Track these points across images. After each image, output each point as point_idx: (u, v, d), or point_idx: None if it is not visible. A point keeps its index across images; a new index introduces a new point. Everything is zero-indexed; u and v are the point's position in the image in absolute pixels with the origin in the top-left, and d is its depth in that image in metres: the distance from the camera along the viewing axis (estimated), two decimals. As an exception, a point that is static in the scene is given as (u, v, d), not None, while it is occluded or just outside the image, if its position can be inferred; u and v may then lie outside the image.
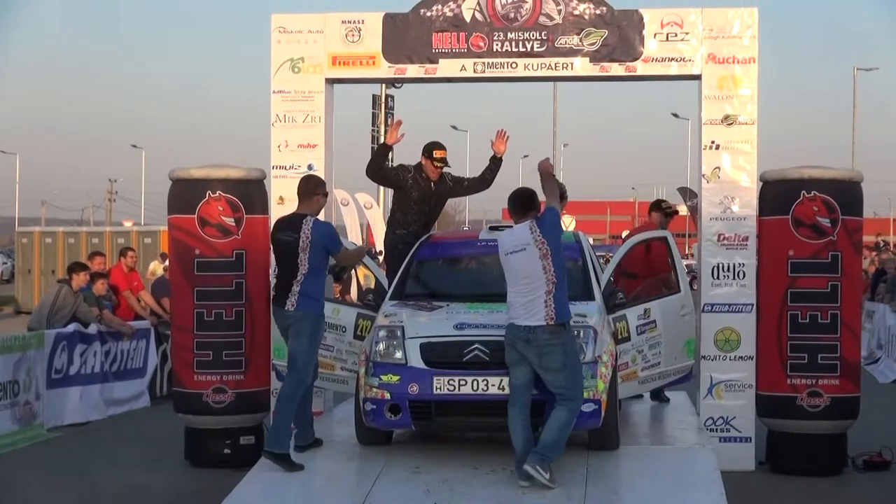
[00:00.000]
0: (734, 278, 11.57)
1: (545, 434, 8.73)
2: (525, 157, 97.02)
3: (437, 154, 11.23)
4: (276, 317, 9.89)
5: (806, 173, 11.54)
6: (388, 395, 9.01)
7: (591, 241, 12.13)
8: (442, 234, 11.73)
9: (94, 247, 31.33)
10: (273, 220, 11.76)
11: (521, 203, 9.10)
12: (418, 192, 11.23)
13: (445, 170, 11.38)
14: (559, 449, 8.73)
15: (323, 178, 11.66)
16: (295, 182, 11.69)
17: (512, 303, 8.93)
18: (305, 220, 9.60)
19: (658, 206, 12.83)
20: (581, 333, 9.14)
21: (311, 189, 9.85)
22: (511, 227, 11.07)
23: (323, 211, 10.07)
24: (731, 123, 11.58)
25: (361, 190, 40.47)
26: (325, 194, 10.02)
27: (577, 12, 11.68)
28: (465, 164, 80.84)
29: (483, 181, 11.68)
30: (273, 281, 11.47)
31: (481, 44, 11.73)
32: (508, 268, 8.98)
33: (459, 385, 8.90)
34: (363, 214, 40.02)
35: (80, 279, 15.57)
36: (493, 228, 11.28)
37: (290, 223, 9.71)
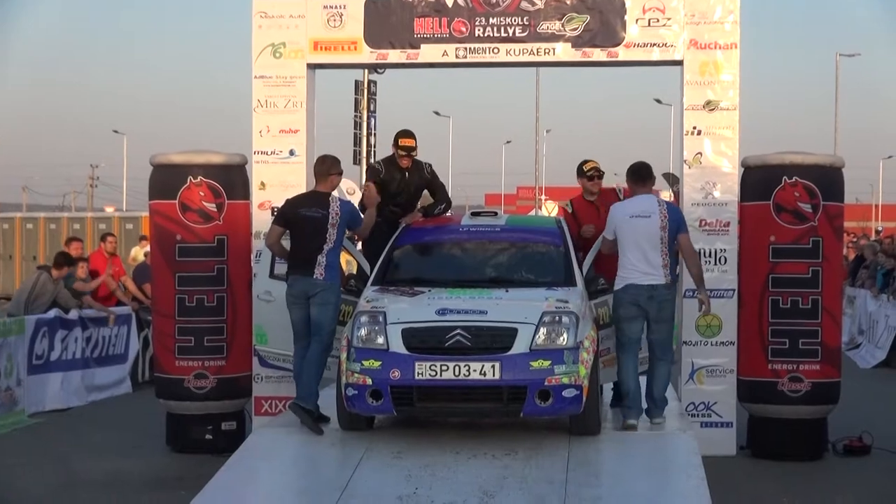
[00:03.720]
0: (716, 264, 11.61)
1: (656, 389, 10.10)
2: (508, 142, 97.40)
3: (401, 142, 11.10)
4: (295, 284, 10.04)
5: (787, 159, 11.57)
6: (369, 381, 9.00)
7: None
8: (423, 220, 11.72)
9: (76, 233, 31.22)
10: (255, 205, 11.81)
11: (642, 174, 10.16)
12: (393, 184, 11.17)
13: (427, 161, 11.33)
14: (666, 398, 10.22)
15: (304, 163, 11.71)
16: (276, 167, 11.79)
17: (626, 264, 9.96)
18: (332, 198, 10.10)
19: (579, 169, 11.53)
20: (562, 319, 9.17)
21: (327, 169, 10.26)
22: (494, 211, 11.13)
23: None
24: (713, 109, 11.61)
25: (344, 175, 40.50)
26: (340, 173, 10.41)
27: (559, -3, 11.67)
28: (448, 149, 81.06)
29: (445, 211, 11.47)
30: (254, 265, 11.52)
31: (463, 29, 11.73)
32: (629, 230, 9.96)
33: (441, 370, 8.90)
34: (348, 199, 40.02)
35: (60, 273, 15.55)
36: (475, 214, 11.28)
37: (315, 201, 10.12)
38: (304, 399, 9.88)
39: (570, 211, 11.17)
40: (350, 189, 39.72)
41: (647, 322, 10.09)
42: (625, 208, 10.16)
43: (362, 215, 10.60)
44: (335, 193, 10.27)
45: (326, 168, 10.25)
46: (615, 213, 10.14)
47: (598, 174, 11.07)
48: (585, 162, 11.14)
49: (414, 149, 11.10)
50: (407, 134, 11.18)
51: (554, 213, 26.46)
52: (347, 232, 10.40)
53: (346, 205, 10.24)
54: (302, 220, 10.05)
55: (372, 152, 45.84)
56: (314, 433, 9.68)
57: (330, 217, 9.99)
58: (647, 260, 9.98)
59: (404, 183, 11.17)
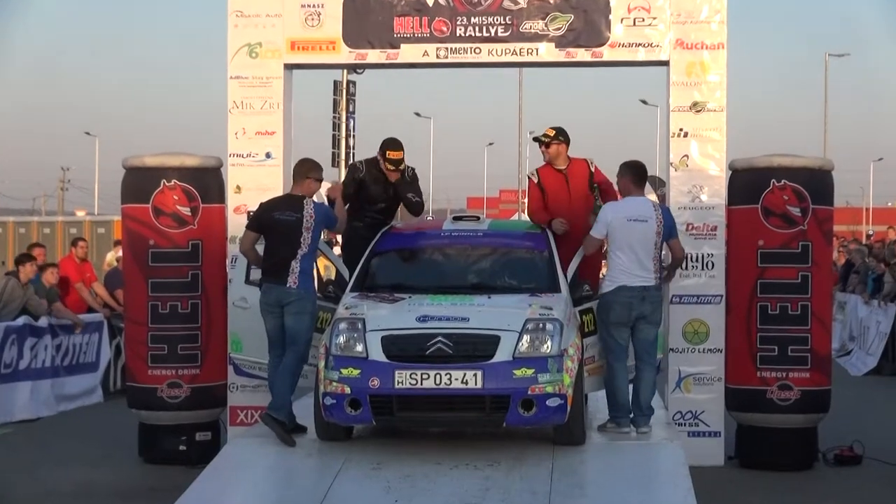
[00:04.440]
0: (703, 269, 11.61)
1: (643, 396, 10.18)
2: (490, 144, 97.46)
3: (390, 155, 10.98)
4: (269, 292, 10.03)
5: (776, 162, 11.59)
6: (348, 390, 8.99)
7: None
8: (404, 225, 11.70)
9: (46, 238, 31.15)
10: (230, 209, 11.78)
11: (642, 175, 10.37)
12: (374, 187, 11.14)
13: (410, 165, 11.31)
14: (652, 407, 10.30)
15: (281, 165, 11.67)
16: (252, 170, 11.78)
17: (619, 265, 10.07)
18: (306, 201, 10.05)
19: (537, 137, 11.33)
20: (546, 326, 9.17)
21: (304, 172, 10.25)
22: (477, 216, 11.12)
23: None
24: (700, 111, 11.62)
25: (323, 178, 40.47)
26: (319, 179, 10.31)
27: (542, -4, 11.67)
28: (428, 151, 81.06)
29: (417, 206, 11.43)
30: (229, 270, 11.50)
31: (444, 28, 11.71)
32: (625, 233, 10.05)
33: (422, 379, 8.89)
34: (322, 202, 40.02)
35: (27, 270, 15.47)
36: (457, 218, 11.28)
37: (289, 204, 10.09)
38: (277, 410, 9.84)
39: (535, 181, 11.15)
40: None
41: (636, 324, 10.11)
42: (621, 210, 10.19)
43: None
44: (314, 198, 10.25)
45: (304, 171, 10.23)
46: (610, 214, 10.15)
47: (551, 139, 10.97)
48: (543, 132, 11.10)
49: (402, 161, 11.03)
50: (396, 145, 11.02)
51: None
52: (325, 235, 10.41)
53: (320, 207, 10.21)
54: (275, 223, 10.03)
55: (351, 154, 45.90)
56: (287, 445, 9.65)
57: (304, 220, 9.96)
58: (641, 263, 10.09)
59: (387, 188, 11.14)
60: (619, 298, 10.06)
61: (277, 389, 9.95)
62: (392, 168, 10.97)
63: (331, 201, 10.91)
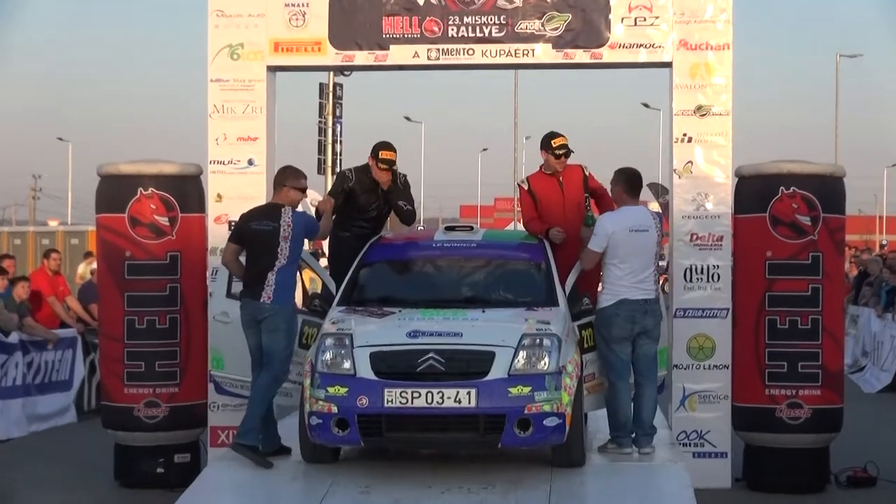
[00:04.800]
0: (708, 281, 11.61)
1: (646, 414, 10.19)
2: (484, 150, 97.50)
3: (383, 155, 11.07)
4: (246, 308, 10.03)
5: (784, 168, 11.60)
6: (335, 409, 8.98)
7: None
8: (393, 236, 11.70)
9: (17, 249, 31.15)
10: (210, 219, 11.78)
11: (637, 185, 10.46)
12: (364, 196, 11.16)
13: (401, 171, 11.34)
14: (655, 426, 10.31)
15: (264, 173, 11.67)
16: (233, 178, 11.77)
17: (620, 277, 10.10)
18: (284, 210, 9.99)
19: (546, 143, 11.20)
20: (543, 342, 9.16)
21: (282, 179, 10.23)
22: (470, 226, 11.13)
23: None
24: (705, 114, 11.63)
25: (308, 186, 40.49)
26: (299, 189, 10.25)
27: (538, -6, 11.69)
28: (420, 157, 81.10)
29: (409, 215, 11.49)
30: (210, 283, 11.49)
31: (435, 28, 11.72)
32: (629, 243, 10.08)
33: (412, 398, 8.88)
34: (309, 211, 40.03)
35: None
36: (449, 228, 11.28)
37: (266, 213, 10.08)
38: (244, 435, 9.79)
39: (526, 188, 11.19)
40: (314, 201, 39.76)
41: (636, 340, 10.14)
42: (622, 220, 10.21)
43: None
44: (299, 207, 10.25)
45: (282, 179, 10.22)
46: (610, 226, 10.17)
47: (567, 153, 11.04)
48: (554, 136, 11.10)
49: (395, 163, 11.09)
50: (388, 146, 11.14)
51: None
52: (310, 246, 10.41)
53: (299, 216, 10.12)
54: (252, 234, 10.03)
55: (338, 161, 45.87)
56: (263, 468, 9.62)
57: (281, 229, 9.92)
58: (641, 275, 10.14)
59: (378, 196, 11.16)
60: (621, 312, 10.07)
61: (246, 414, 9.91)
62: (385, 167, 11.00)
63: (318, 214, 10.92)
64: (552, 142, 11.05)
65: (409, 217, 11.36)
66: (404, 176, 11.36)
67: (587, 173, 11.13)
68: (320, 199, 36.06)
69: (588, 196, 11.03)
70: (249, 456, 9.66)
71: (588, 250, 10.30)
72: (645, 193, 11.39)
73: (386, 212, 11.36)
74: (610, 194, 10.69)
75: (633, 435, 10.16)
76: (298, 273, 10.53)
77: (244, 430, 9.80)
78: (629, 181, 10.38)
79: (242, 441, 9.75)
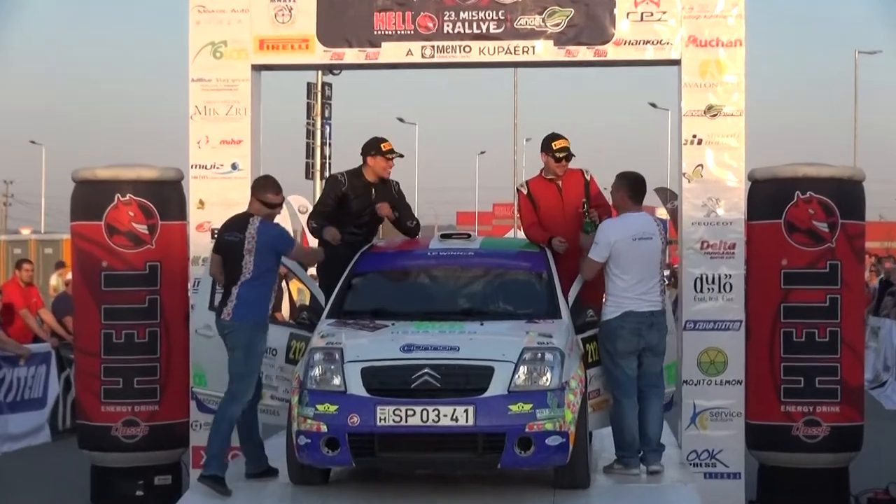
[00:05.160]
0: (720, 291, 11.60)
1: (652, 429, 10.17)
2: (482, 153, 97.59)
3: (385, 147, 11.19)
4: (216, 324, 10.05)
5: (800, 171, 11.60)
6: (324, 428, 8.97)
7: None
8: (386, 244, 11.70)
9: (-13, 258, 31.08)
10: (192, 227, 11.79)
11: (642, 190, 10.48)
12: (356, 201, 11.18)
13: (394, 178, 11.38)
14: (663, 443, 10.33)
15: (248, 178, 11.66)
16: (216, 183, 11.77)
17: (624, 289, 10.07)
18: (252, 220, 9.87)
19: (546, 145, 11.23)
20: (545, 356, 9.16)
21: (253, 190, 10.14)
22: (467, 233, 11.14)
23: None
24: (715, 115, 11.62)
25: (295, 192, 40.45)
26: (270, 203, 9.97)
27: (538, -12, 11.69)
28: (413, 161, 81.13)
29: (416, 231, 11.58)
30: (191, 295, 11.50)
31: (430, 24, 11.72)
32: (632, 252, 10.07)
33: (406, 415, 8.88)
34: (297, 220, 39.97)
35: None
36: (445, 236, 11.28)
37: (236, 223, 10.00)
38: (206, 465, 9.73)
39: (525, 193, 11.21)
40: (302, 207, 39.82)
41: (641, 354, 10.15)
42: (624, 228, 10.20)
43: (306, 242, 10.60)
44: (284, 218, 10.26)
45: (253, 188, 10.16)
46: (612, 234, 10.16)
47: (568, 157, 11.06)
48: (555, 138, 11.12)
49: (394, 152, 11.22)
50: (386, 139, 11.28)
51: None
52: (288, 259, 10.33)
53: (267, 228, 9.88)
54: (224, 245, 10.01)
55: (327, 165, 45.91)
56: (223, 496, 9.53)
57: (245, 242, 9.81)
58: (647, 285, 10.14)
59: (371, 201, 11.18)
60: (627, 325, 10.06)
61: (208, 441, 9.85)
62: (391, 157, 11.11)
63: (321, 242, 10.95)
64: (553, 144, 11.05)
65: (415, 233, 11.46)
66: (397, 183, 11.40)
67: (588, 178, 11.13)
68: (305, 204, 35.94)
69: (586, 202, 11.02)
70: (211, 486, 9.54)
71: (589, 260, 10.28)
72: (652, 199, 11.46)
73: (378, 218, 11.36)
74: (610, 202, 10.68)
75: (640, 452, 10.15)
76: (280, 285, 10.50)
77: (206, 458, 9.75)
78: (632, 186, 10.37)
79: (204, 472, 9.68)
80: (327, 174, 41.09)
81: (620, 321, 10.06)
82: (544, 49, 11.74)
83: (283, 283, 16.83)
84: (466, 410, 8.87)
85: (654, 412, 10.26)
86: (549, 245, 10.86)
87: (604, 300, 10.56)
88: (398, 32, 11.75)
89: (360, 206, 11.19)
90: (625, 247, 10.08)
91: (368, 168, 11.29)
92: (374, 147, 11.24)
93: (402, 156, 11.38)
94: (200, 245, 11.57)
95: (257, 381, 10.06)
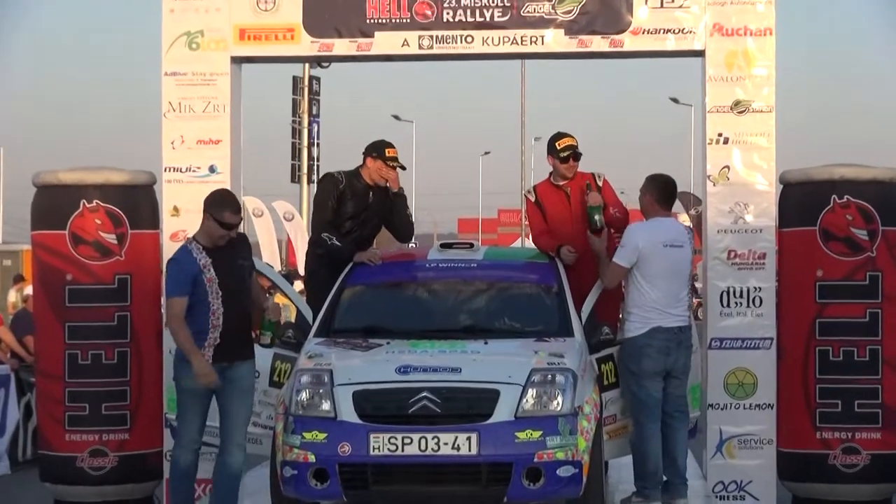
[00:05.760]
0: (748, 306, 11.60)
1: (680, 460, 10.39)
2: (486, 154, 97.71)
3: (390, 153, 11.26)
4: None
5: (837, 173, 11.59)
6: (312, 458, 8.99)
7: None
8: (381, 254, 11.72)
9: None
10: (165, 236, 11.79)
11: (673, 194, 10.79)
12: (353, 204, 11.22)
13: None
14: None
15: (228, 182, 11.66)
16: (192, 188, 11.73)
17: (653, 301, 10.22)
18: (186, 243, 10.10)
19: (551, 146, 11.51)
20: (556, 378, 9.17)
21: (207, 206, 10.07)
22: (470, 243, 11.17)
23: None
24: (743, 111, 11.62)
25: (280, 197, 40.49)
26: (228, 224, 9.89)
27: (548, -28, 11.71)
28: (411, 162, 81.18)
29: (410, 229, 11.67)
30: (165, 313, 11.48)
31: (428, 12, 11.73)
32: (662, 260, 10.27)
33: (403, 444, 8.90)
34: (282, 228, 40.02)
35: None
36: (445, 246, 11.29)
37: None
38: None
39: (533, 200, 11.26)
40: (288, 214, 39.87)
41: (666, 376, 10.18)
42: (654, 233, 10.28)
43: (271, 265, 10.61)
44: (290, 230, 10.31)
45: (208, 204, 10.13)
46: (640, 238, 10.21)
47: (575, 155, 11.10)
48: (560, 137, 11.22)
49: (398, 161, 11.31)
50: (393, 145, 11.43)
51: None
52: (281, 268, 10.41)
53: (174, 254, 10.14)
54: None
55: (315, 167, 45.91)
56: None
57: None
58: (676, 298, 10.29)
59: (367, 205, 11.24)
60: (654, 342, 10.09)
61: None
62: (394, 164, 11.28)
63: (290, 277, 11.01)
64: (557, 144, 11.11)
65: (409, 231, 11.47)
66: (400, 189, 11.47)
67: (600, 182, 11.16)
68: (291, 210, 35.89)
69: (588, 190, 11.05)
70: None
71: (613, 265, 10.30)
72: (676, 205, 11.42)
73: (376, 226, 11.39)
74: (640, 205, 10.71)
75: (665, 483, 10.16)
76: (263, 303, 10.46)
77: None
78: (662, 189, 10.43)
79: None
80: (315, 177, 41.16)
81: (647, 338, 10.07)
82: (554, 39, 11.74)
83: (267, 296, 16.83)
84: (469, 438, 8.90)
85: (680, 439, 10.27)
86: (558, 255, 10.88)
87: (623, 314, 10.57)
88: (393, 21, 11.76)
89: (355, 208, 11.22)
90: (654, 253, 10.12)
91: (367, 169, 11.35)
92: (377, 149, 11.30)
93: (403, 167, 11.43)
94: (175, 256, 11.58)
95: (200, 424, 10.12)
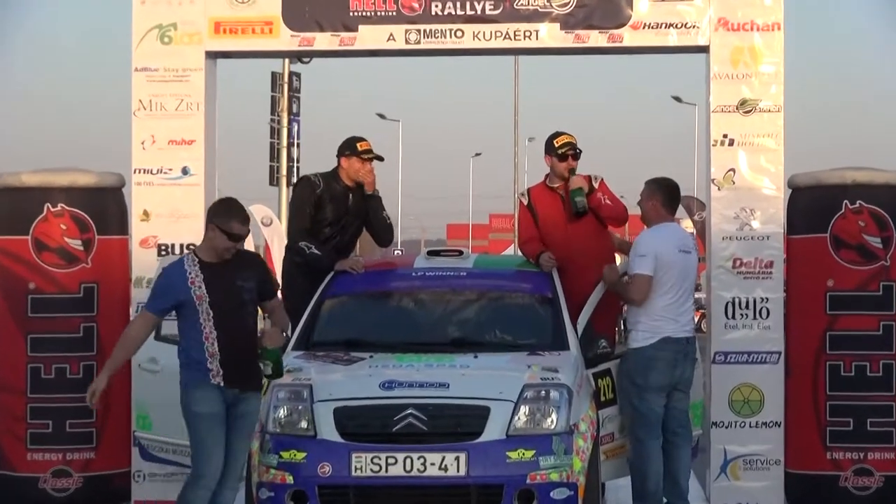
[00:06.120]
0: (755, 318, 11.60)
1: (682, 478, 10.43)
2: (477, 155, 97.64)
3: (362, 146, 11.27)
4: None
5: (849, 177, 11.60)
6: (290, 479, 8.99)
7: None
8: (364, 262, 11.72)
9: None
10: (135, 242, 11.76)
11: (676, 196, 10.92)
12: (332, 208, 11.22)
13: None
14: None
15: (201, 184, 11.64)
16: (164, 191, 11.71)
17: (662, 308, 10.27)
18: (184, 258, 9.56)
19: (548, 144, 11.52)
20: (550, 394, 9.16)
21: (212, 216, 9.44)
22: (459, 250, 11.16)
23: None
24: (750, 111, 11.64)
25: (257, 200, 40.42)
26: (236, 235, 9.28)
27: (543, -37, 11.72)
28: (397, 163, 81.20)
29: (390, 232, 11.67)
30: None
31: (415, 4, 11.73)
32: (676, 266, 10.35)
33: (387, 464, 8.89)
34: (259, 233, 39.96)
35: None
36: (432, 253, 11.29)
37: None
38: None
39: (526, 203, 11.30)
40: (266, 218, 39.78)
41: (671, 388, 10.23)
42: (668, 239, 10.41)
43: (272, 264, 10.58)
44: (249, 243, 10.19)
45: (213, 214, 9.46)
46: (658, 244, 10.28)
47: (574, 152, 11.13)
48: (558, 135, 11.28)
49: (374, 153, 11.29)
50: (361, 137, 11.42)
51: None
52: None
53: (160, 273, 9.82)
54: None
55: (294, 169, 45.86)
56: None
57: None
58: (684, 306, 10.41)
59: (347, 208, 11.24)
60: (663, 354, 10.14)
61: None
62: (368, 157, 11.17)
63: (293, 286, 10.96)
64: (555, 141, 11.14)
65: (389, 234, 11.47)
66: (376, 191, 11.46)
67: (596, 185, 11.18)
68: (269, 215, 35.87)
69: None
70: None
71: (638, 276, 10.31)
72: (678, 210, 11.41)
73: (357, 230, 11.39)
74: (642, 211, 10.72)
75: (666, 501, 10.19)
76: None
77: None
78: (668, 193, 10.50)
79: None
80: (295, 179, 41.07)
81: (656, 349, 10.10)
82: (549, 34, 11.74)
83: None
84: (458, 458, 8.89)
85: (682, 458, 10.29)
86: (537, 261, 10.90)
87: (629, 323, 10.55)
88: (378, 14, 11.75)
89: (335, 213, 11.21)
90: (670, 259, 10.23)
91: (343, 170, 11.36)
92: (349, 146, 11.31)
93: (381, 158, 11.44)
94: (144, 264, 11.55)
95: (222, 457, 9.37)
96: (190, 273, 9.28)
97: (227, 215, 9.28)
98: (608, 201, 11.30)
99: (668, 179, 10.69)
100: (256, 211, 39.30)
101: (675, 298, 10.26)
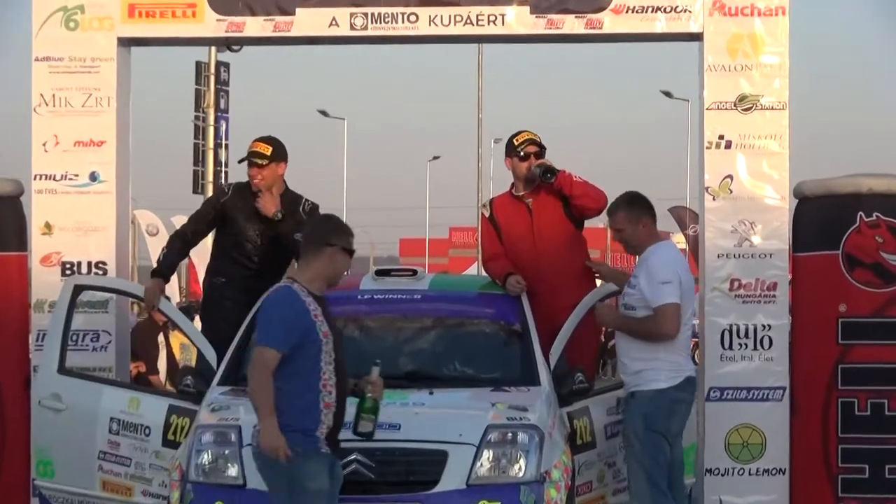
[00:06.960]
0: (755, 348, 11.63)
1: None
2: (435, 158, 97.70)
3: (254, 147, 11.25)
4: None
5: (864, 185, 11.63)
6: (215, 535, 8.97)
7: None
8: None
9: None
10: (35, 259, 11.73)
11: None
12: (242, 220, 11.18)
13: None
14: None
15: (113, 192, 11.63)
16: (69, 199, 11.67)
17: (682, 343, 10.35)
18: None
19: (509, 145, 11.65)
20: (518, 437, 9.17)
21: (328, 235, 9.00)
22: (412, 269, 11.18)
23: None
24: (750, 108, 11.67)
25: (179, 211, 40.35)
26: (350, 251, 8.98)
27: (510, -63, 11.74)
28: (341, 167, 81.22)
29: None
30: (34, 353, 11.45)
31: (362, -15, 11.75)
32: (691, 290, 10.40)
33: (329, 519, 8.88)
34: (145, 243, 39.94)
35: None
36: (381, 273, 11.29)
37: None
38: None
39: (487, 216, 11.34)
40: (152, 227, 39.68)
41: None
42: (682, 260, 10.46)
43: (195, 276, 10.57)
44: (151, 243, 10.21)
45: (330, 233, 9.00)
46: (678, 266, 10.37)
47: (537, 150, 11.15)
48: (517, 134, 11.31)
49: (268, 158, 11.15)
50: (263, 138, 11.40)
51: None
52: (180, 299, 10.35)
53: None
54: None
55: (222, 174, 45.75)
56: None
57: None
58: (689, 340, 10.48)
59: (267, 223, 11.19)
60: (686, 396, 10.29)
61: None
62: (258, 161, 11.20)
63: (189, 311, 10.91)
64: (514, 140, 11.19)
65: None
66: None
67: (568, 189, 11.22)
68: (160, 225, 35.65)
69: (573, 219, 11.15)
70: None
71: (669, 307, 10.20)
72: (666, 222, 11.46)
73: (280, 252, 11.32)
74: (631, 236, 10.65)
75: None
76: (157, 339, 10.35)
77: None
78: (652, 210, 10.56)
79: None
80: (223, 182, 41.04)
81: (680, 391, 10.16)
82: (517, 18, 11.75)
83: (161, 337, 16.78)
84: (411, 511, 8.89)
85: None
86: (504, 284, 10.91)
87: (643, 361, 10.51)
88: (318, -5, 11.77)
89: (248, 228, 11.16)
90: (689, 283, 10.28)
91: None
92: (247, 152, 11.28)
93: (269, 160, 11.24)
94: (46, 284, 11.51)
95: None
96: (310, 307, 8.80)
97: (344, 233, 8.99)
98: (580, 178, 11.30)
99: (638, 194, 10.67)
100: (141, 218, 39.16)
101: (687, 332, 10.31)
